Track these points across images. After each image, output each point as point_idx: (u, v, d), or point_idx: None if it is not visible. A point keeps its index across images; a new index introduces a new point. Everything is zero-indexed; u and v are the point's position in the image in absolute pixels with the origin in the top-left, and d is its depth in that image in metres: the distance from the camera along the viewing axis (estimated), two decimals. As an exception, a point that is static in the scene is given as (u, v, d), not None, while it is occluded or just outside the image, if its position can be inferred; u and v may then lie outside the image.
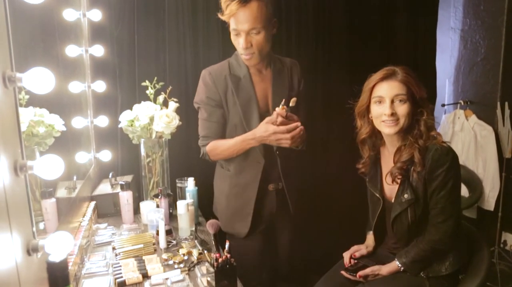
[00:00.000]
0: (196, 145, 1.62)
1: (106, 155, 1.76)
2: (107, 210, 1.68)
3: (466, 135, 2.73)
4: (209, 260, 1.26)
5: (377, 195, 1.42)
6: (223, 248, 1.18)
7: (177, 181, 1.73)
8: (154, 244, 1.37)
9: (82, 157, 1.59)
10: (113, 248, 1.34)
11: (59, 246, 0.76)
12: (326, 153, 2.41)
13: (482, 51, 2.72)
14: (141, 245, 1.34)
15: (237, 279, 1.12)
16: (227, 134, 1.55)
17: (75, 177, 1.45)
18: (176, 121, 1.69)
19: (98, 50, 1.71)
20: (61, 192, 1.33)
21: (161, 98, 1.72)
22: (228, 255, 1.10)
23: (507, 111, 2.51)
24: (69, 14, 1.51)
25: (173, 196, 1.74)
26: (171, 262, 1.26)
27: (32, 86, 0.72)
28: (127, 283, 1.14)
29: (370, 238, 1.54)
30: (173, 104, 1.71)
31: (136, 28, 1.92)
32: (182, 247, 1.36)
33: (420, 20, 2.61)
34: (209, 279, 1.15)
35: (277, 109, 1.38)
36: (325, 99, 2.38)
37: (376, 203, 1.43)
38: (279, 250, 1.68)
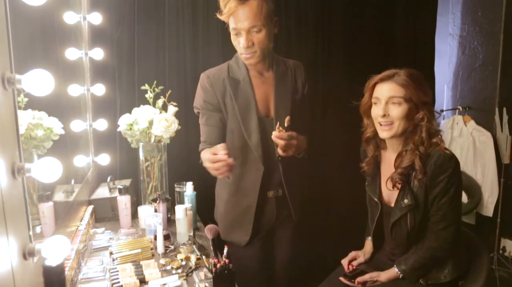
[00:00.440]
0: (195, 150, 1.60)
1: (104, 159, 1.75)
2: (104, 215, 1.67)
3: (464, 141, 2.73)
4: (207, 265, 1.25)
5: (376, 199, 1.41)
6: (222, 253, 1.17)
7: (175, 185, 1.72)
8: (152, 249, 1.36)
9: (81, 160, 1.58)
10: (111, 253, 1.33)
11: (55, 250, 0.75)
12: (327, 158, 2.41)
13: (481, 57, 2.74)
14: (139, 250, 1.33)
15: (235, 285, 1.11)
16: (228, 141, 1.50)
17: (73, 181, 1.44)
18: (175, 125, 1.68)
19: (98, 53, 1.70)
20: (59, 196, 1.32)
21: (160, 102, 1.71)
22: (227, 261, 1.09)
23: (505, 117, 2.51)
24: (70, 17, 1.51)
25: (172, 200, 1.73)
26: (169, 267, 1.24)
27: (31, 88, 0.71)
28: (124, 288, 1.12)
29: (368, 244, 1.53)
30: (172, 108, 1.70)
31: (136, 32, 1.92)
32: (180, 252, 1.35)
33: (419, 25, 2.62)
34: (207, 285, 1.14)
35: (274, 133, 1.31)
36: (325, 103, 2.38)
37: (374, 207, 1.43)
38: (279, 257, 1.64)
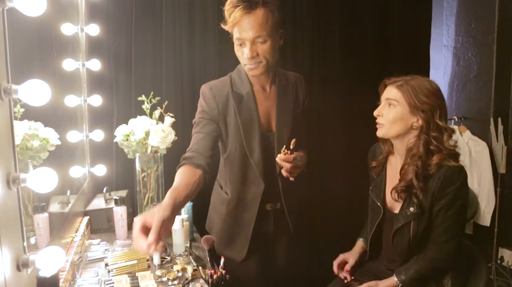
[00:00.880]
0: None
1: (100, 170, 1.75)
2: (100, 226, 1.66)
3: (460, 151, 2.74)
4: (203, 276, 1.24)
5: (379, 204, 1.39)
6: (218, 264, 1.16)
7: (172, 196, 1.70)
8: (148, 260, 1.34)
9: (77, 171, 1.57)
10: (106, 265, 1.32)
11: (50, 261, 0.74)
12: (325, 169, 2.41)
13: (475, 68, 2.77)
14: (135, 261, 1.32)
15: (232, 296, 1.10)
16: (228, 158, 1.47)
17: (68, 192, 1.43)
18: (171, 136, 1.68)
19: (95, 64, 1.71)
20: (54, 207, 1.31)
21: (157, 113, 1.72)
22: (223, 271, 1.08)
23: (500, 127, 2.53)
24: (67, 29, 1.52)
25: (168, 211, 1.72)
26: (165, 278, 1.23)
27: (28, 98, 0.71)
28: (119, 300, 1.11)
29: (359, 245, 1.52)
30: (169, 119, 1.70)
31: (134, 43, 1.94)
32: (176, 264, 1.33)
33: (413, 37, 2.65)
34: (204, 296, 1.13)
35: (279, 156, 1.29)
36: (321, 114, 2.39)
37: (376, 212, 1.41)
38: (276, 271, 1.60)
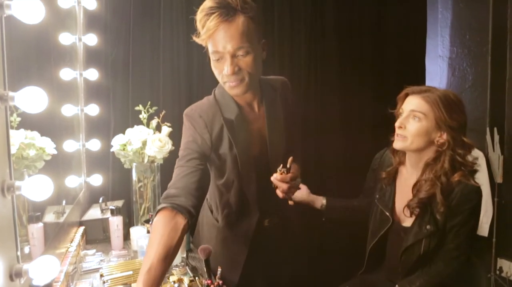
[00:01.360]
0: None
1: (97, 180, 1.74)
2: (96, 236, 1.64)
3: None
4: (200, 287, 1.22)
5: (387, 213, 1.36)
6: (215, 274, 1.15)
7: (168, 206, 1.69)
8: (143, 271, 1.32)
9: (73, 181, 1.56)
10: (101, 275, 1.29)
11: (43, 270, 0.73)
12: (322, 177, 2.41)
13: (470, 78, 2.79)
14: (131, 272, 1.30)
15: (229, 307, 1.08)
16: (221, 186, 1.33)
17: (64, 202, 1.42)
18: (168, 146, 1.68)
19: (93, 74, 1.72)
20: (49, 217, 1.29)
21: (154, 123, 1.71)
22: (220, 282, 1.07)
23: (496, 137, 2.54)
24: (65, 38, 1.53)
25: (164, 221, 1.70)
26: (161, 289, 1.21)
27: (24, 105, 0.71)
28: (114, 311, 1.09)
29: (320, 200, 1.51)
30: (166, 129, 1.70)
31: (131, 53, 1.95)
32: (172, 274, 1.32)
33: (409, 48, 2.68)
34: (200, 307, 1.11)
35: (275, 175, 1.18)
36: (318, 123, 2.40)
37: (384, 221, 1.37)
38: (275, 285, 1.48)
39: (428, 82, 2.86)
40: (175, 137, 1.75)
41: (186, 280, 1.25)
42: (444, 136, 1.23)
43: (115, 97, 1.94)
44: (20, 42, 1.06)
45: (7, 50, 0.72)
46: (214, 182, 1.38)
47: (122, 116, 1.94)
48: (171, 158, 1.74)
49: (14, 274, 0.71)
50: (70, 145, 1.55)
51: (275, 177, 1.19)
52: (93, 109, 1.73)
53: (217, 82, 1.24)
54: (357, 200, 1.56)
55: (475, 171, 1.26)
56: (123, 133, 1.69)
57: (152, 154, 1.64)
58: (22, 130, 1.13)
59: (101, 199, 1.73)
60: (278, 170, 1.19)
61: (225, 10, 1.07)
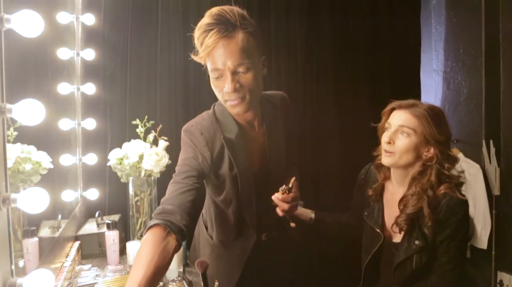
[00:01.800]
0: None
1: (93, 194, 1.73)
2: (91, 251, 1.62)
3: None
4: (197, 302, 1.20)
5: (378, 230, 1.35)
6: (213, 288, 1.13)
7: (165, 220, 1.68)
8: (140, 286, 1.30)
9: (69, 195, 1.55)
10: (97, 291, 1.28)
11: (38, 285, 0.72)
12: (319, 190, 2.40)
13: (465, 91, 2.82)
14: (126, 287, 1.28)
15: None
16: (219, 204, 1.30)
17: (60, 216, 1.40)
18: (165, 160, 1.67)
19: (90, 88, 1.72)
20: (45, 232, 1.28)
21: (151, 137, 1.72)
22: (218, 296, 1.05)
23: (492, 149, 2.55)
24: (63, 53, 1.54)
25: (161, 236, 1.69)
26: (157, 304, 1.19)
27: (22, 117, 0.71)
28: (110, 328, 1.07)
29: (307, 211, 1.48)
30: (163, 143, 1.70)
31: (129, 67, 1.96)
32: (169, 289, 1.30)
33: (404, 62, 2.72)
34: (197, 322, 1.09)
35: (277, 195, 1.16)
36: (314, 137, 2.41)
37: (375, 238, 1.36)
38: None
39: (424, 96, 2.89)
40: (172, 151, 1.75)
41: (183, 295, 1.24)
42: (432, 150, 1.23)
43: (112, 111, 1.95)
44: (18, 56, 1.07)
45: (5, 63, 0.72)
46: (210, 198, 1.34)
47: (119, 130, 1.94)
48: (168, 172, 1.73)
49: (8, 289, 0.70)
50: (66, 159, 1.55)
51: (276, 197, 1.16)
52: (90, 123, 1.73)
53: (214, 98, 1.23)
54: (345, 216, 1.55)
55: (461, 184, 1.26)
56: (120, 147, 1.69)
57: (149, 168, 1.64)
58: (18, 144, 1.12)
59: (97, 213, 1.72)
60: (280, 189, 1.17)
61: (223, 26, 1.04)
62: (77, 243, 1.54)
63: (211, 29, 1.03)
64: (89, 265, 1.50)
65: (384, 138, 1.27)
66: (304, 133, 2.37)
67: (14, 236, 1.06)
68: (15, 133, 1.08)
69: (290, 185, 1.17)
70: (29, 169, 1.18)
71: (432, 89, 3.06)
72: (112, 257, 1.52)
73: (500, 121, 2.58)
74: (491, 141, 2.57)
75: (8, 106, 0.69)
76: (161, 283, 1.36)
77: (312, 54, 2.42)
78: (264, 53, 1.18)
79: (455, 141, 2.85)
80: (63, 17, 1.53)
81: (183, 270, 1.49)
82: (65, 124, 1.55)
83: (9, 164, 1.05)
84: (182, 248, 1.52)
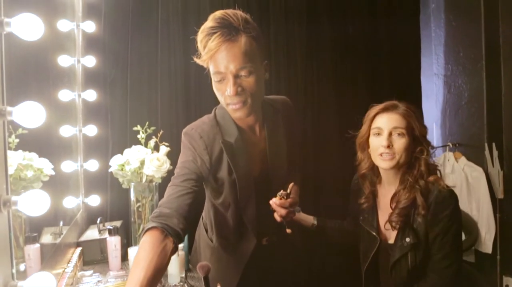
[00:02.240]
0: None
1: (95, 200, 1.73)
2: (93, 257, 1.61)
3: (457, 177, 2.74)
4: (200, 307, 1.19)
5: (374, 233, 1.36)
6: (215, 292, 1.12)
7: (167, 225, 1.67)
8: (141, 291, 1.29)
9: (70, 201, 1.55)
10: (98, 297, 1.27)
11: (39, 287, 0.72)
12: (320, 195, 2.39)
13: (466, 94, 2.82)
14: (128, 293, 1.27)
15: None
16: (218, 207, 1.29)
17: (61, 223, 1.40)
18: (167, 165, 1.67)
19: (91, 95, 1.73)
20: (46, 238, 1.28)
21: (152, 143, 1.72)
22: (220, 300, 1.04)
23: (495, 152, 2.54)
24: (64, 60, 1.55)
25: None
26: (159, 310, 1.18)
27: (22, 120, 0.72)
28: (111, 333, 1.06)
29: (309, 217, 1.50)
30: (164, 148, 1.70)
31: (129, 74, 1.97)
32: (171, 295, 1.29)
33: (404, 67, 2.72)
34: (199, 327, 1.08)
35: (274, 200, 1.16)
36: (314, 142, 2.41)
37: (372, 242, 1.37)
38: None
39: (424, 100, 2.89)
40: (173, 156, 1.75)
41: (185, 301, 1.23)
42: (421, 146, 1.29)
43: (113, 118, 1.95)
44: (20, 64, 1.07)
45: (6, 69, 0.72)
46: (210, 201, 1.34)
47: (120, 137, 1.95)
48: (169, 178, 1.72)
49: (8, 292, 0.70)
50: (68, 166, 1.55)
51: (274, 202, 1.16)
52: (91, 130, 1.74)
53: (214, 102, 1.23)
54: (346, 222, 1.56)
55: (438, 170, 1.33)
56: (121, 153, 1.69)
57: (150, 173, 1.63)
58: (20, 151, 1.13)
59: (98, 219, 1.71)
60: (278, 194, 1.16)
61: (227, 30, 1.04)
62: (79, 249, 1.54)
63: (214, 33, 1.04)
64: (91, 271, 1.49)
65: (381, 142, 1.27)
66: (305, 137, 2.36)
67: (16, 243, 1.06)
68: (17, 140, 1.08)
69: (288, 191, 1.17)
70: (30, 176, 1.18)
71: (433, 93, 3.06)
72: (113, 263, 1.51)
73: (502, 124, 2.57)
74: (493, 144, 2.56)
75: (9, 108, 0.70)
76: (163, 289, 1.35)
77: (312, 58, 2.43)
78: (266, 58, 1.18)
79: (457, 145, 2.84)
80: (63, 25, 1.54)
81: (185, 275, 1.48)
82: (66, 130, 1.56)
83: (11, 171, 1.05)
84: (184, 253, 1.51)
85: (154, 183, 1.71)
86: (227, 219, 1.30)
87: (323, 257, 2.31)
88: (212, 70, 1.10)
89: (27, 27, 0.73)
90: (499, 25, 2.50)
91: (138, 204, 1.71)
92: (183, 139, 1.24)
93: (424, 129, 1.28)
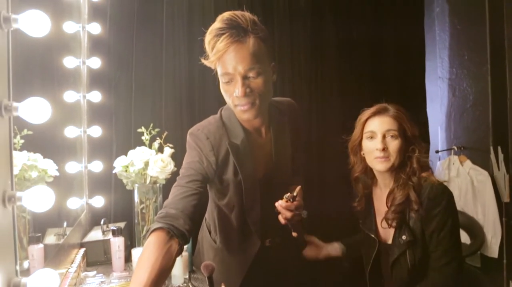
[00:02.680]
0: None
1: (98, 201, 1.73)
2: (97, 258, 1.61)
3: (462, 181, 2.72)
4: (203, 308, 1.18)
5: (373, 236, 1.37)
6: (219, 293, 1.12)
7: (171, 227, 1.67)
8: (145, 292, 1.29)
9: (74, 202, 1.55)
10: (101, 298, 1.26)
11: (43, 284, 0.71)
12: (323, 196, 2.38)
13: (471, 98, 2.81)
14: (131, 294, 1.26)
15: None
16: (222, 208, 1.29)
17: (65, 223, 1.40)
18: (171, 166, 1.67)
19: (96, 96, 1.74)
20: (50, 239, 1.28)
21: (156, 144, 1.72)
22: (224, 300, 1.03)
23: (500, 155, 2.53)
24: (70, 62, 1.56)
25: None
26: (163, 311, 1.17)
27: (28, 115, 0.72)
28: (114, 334, 1.05)
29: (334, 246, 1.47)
30: (168, 150, 1.70)
31: (134, 75, 1.98)
32: (175, 296, 1.28)
33: (409, 70, 2.72)
34: (203, 328, 1.07)
35: (280, 202, 1.15)
36: (318, 143, 2.40)
37: (371, 245, 1.38)
38: None
39: (429, 103, 2.88)
40: (177, 158, 1.75)
41: (188, 302, 1.22)
42: (412, 145, 1.30)
43: (117, 119, 1.96)
44: (26, 65, 1.08)
45: (12, 66, 0.73)
46: (213, 202, 1.33)
47: (125, 138, 1.95)
48: (173, 180, 1.72)
49: (12, 288, 0.69)
50: (72, 167, 1.55)
51: (279, 204, 1.15)
52: (96, 131, 1.74)
53: (219, 104, 1.23)
54: (359, 234, 1.54)
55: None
56: (126, 154, 1.69)
57: (154, 174, 1.63)
58: (25, 152, 1.13)
59: (102, 221, 1.71)
60: (284, 197, 1.16)
61: (235, 31, 1.04)
62: (82, 250, 1.53)
63: (223, 34, 1.04)
64: (94, 272, 1.48)
65: (376, 145, 1.29)
66: (309, 138, 2.36)
67: (20, 243, 1.06)
68: (22, 141, 1.09)
69: (294, 194, 1.16)
70: (35, 176, 1.18)
71: (438, 96, 3.05)
72: (117, 264, 1.51)
73: (507, 127, 2.56)
74: (499, 148, 2.54)
75: (15, 104, 0.70)
76: (166, 290, 1.34)
77: (316, 61, 2.43)
78: (272, 59, 1.18)
79: (462, 148, 2.82)
80: (69, 27, 1.55)
81: (189, 276, 1.47)
82: (71, 131, 1.56)
83: (16, 171, 1.06)
84: (187, 254, 1.51)
85: (158, 185, 1.71)
86: (231, 220, 1.30)
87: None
88: (220, 71, 1.10)
89: (34, 23, 0.73)
90: (504, 28, 2.49)
91: (142, 205, 1.70)
92: (188, 140, 1.23)
93: (414, 129, 1.30)
